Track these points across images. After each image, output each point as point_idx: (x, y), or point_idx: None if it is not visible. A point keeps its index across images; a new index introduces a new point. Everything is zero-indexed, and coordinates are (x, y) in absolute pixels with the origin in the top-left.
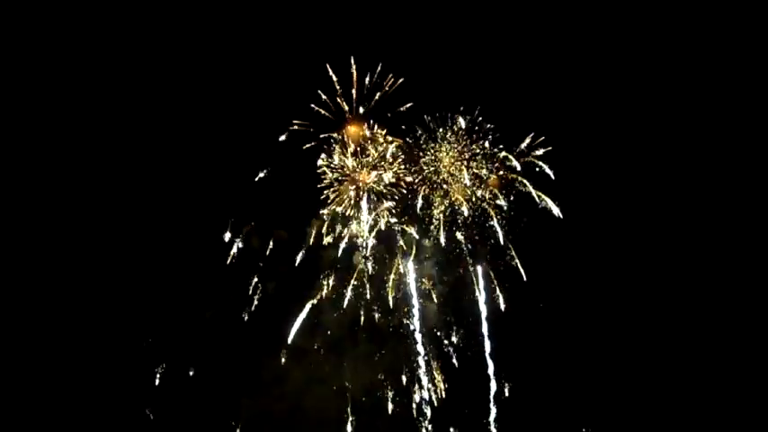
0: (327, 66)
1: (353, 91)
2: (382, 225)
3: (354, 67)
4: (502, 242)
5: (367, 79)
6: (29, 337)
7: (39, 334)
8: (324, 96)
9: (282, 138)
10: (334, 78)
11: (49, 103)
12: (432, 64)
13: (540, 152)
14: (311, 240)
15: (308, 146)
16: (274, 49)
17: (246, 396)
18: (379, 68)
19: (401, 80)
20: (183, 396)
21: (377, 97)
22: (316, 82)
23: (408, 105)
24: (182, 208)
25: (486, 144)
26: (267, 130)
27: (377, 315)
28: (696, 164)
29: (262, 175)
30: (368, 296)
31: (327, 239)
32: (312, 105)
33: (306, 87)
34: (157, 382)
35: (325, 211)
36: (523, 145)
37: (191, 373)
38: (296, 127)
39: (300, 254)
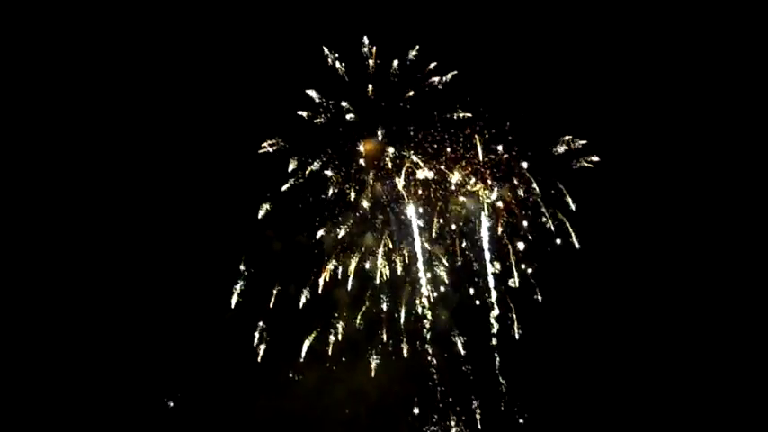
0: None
1: (369, 86)
2: (395, 236)
3: (373, 52)
4: (513, 263)
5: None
6: (55, 349)
7: (65, 345)
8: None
9: (293, 164)
10: (342, 70)
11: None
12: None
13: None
14: (330, 247)
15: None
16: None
17: (264, 396)
18: (414, 52)
19: (454, 73)
20: (200, 396)
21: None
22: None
23: (468, 115)
24: (205, 213)
25: (505, 155)
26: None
27: (392, 320)
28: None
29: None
30: (384, 303)
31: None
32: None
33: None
34: (176, 382)
35: (341, 221)
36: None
37: (208, 374)
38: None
39: (318, 259)
